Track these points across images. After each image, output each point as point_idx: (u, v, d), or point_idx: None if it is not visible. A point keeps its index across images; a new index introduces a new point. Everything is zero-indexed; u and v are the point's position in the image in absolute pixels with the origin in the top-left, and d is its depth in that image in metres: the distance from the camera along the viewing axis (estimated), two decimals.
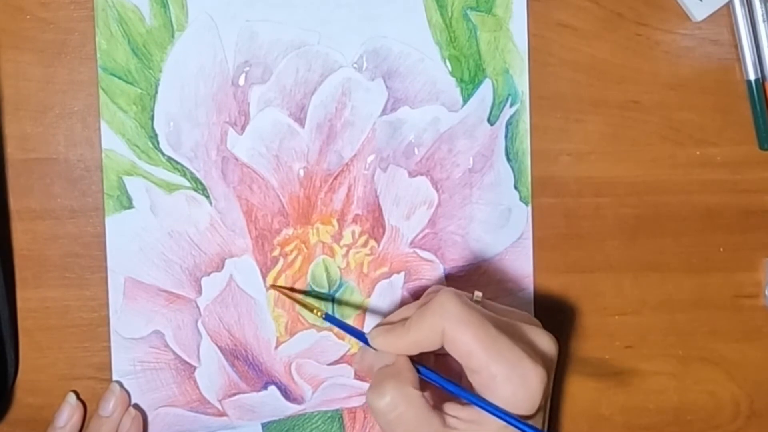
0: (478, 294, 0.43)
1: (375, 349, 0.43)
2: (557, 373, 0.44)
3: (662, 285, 0.52)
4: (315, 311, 0.47)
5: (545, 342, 0.42)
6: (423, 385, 0.41)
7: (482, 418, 0.40)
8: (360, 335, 0.44)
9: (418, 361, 0.42)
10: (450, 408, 0.41)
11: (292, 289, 0.49)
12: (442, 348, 0.41)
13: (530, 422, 0.40)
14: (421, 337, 0.41)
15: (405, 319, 0.42)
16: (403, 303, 0.50)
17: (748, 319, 0.53)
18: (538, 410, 0.41)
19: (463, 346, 0.40)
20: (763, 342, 0.53)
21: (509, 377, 0.39)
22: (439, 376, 0.42)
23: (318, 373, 0.50)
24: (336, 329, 0.50)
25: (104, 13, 0.47)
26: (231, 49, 0.48)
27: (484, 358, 0.39)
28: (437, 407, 0.41)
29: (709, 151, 0.52)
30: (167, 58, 0.48)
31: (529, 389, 0.40)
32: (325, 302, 0.50)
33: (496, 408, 0.40)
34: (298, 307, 0.49)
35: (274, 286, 0.49)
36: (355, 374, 0.51)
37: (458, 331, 0.40)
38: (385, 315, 0.50)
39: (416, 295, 0.50)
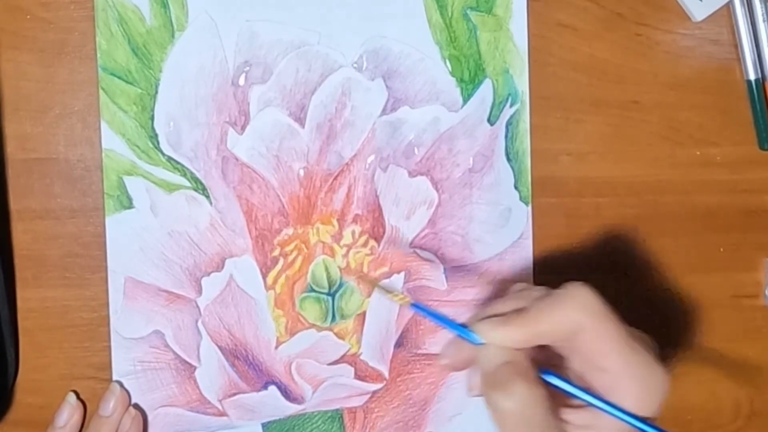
0: None
1: (480, 343, 0.39)
2: None
3: (662, 285, 0.52)
4: (400, 299, 0.46)
5: (652, 342, 0.40)
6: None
7: (597, 422, 0.38)
8: (459, 327, 0.40)
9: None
10: (565, 414, 0.39)
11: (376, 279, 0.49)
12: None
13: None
14: (548, 328, 0.38)
15: (518, 311, 0.39)
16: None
17: (748, 319, 0.53)
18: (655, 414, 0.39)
19: (603, 344, 0.38)
20: (763, 342, 0.53)
21: (640, 379, 0.38)
22: (561, 377, 0.39)
23: (318, 372, 0.50)
24: (336, 329, 0.50)
25: (104, 13, 0.47)
26: (231, 49, 0.48)
27: (620, 358, 0.38)
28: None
29: (709, 151, 0.52)
30: (167, 58, 0.48)
31: (655, 393, 0.38)
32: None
33: (622, 410, 0.38)
34: (298, 307, 0.50)
35: (360, 277, 0.49)
36: (356, 374, 0.51)
37: (602, 326, 0.38)
38: (385, 315, 0.50)
39: (416, 295, 0.50)
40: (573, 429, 0.39)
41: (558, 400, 0.39)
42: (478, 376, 0.39)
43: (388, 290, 0.48)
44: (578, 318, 0.38)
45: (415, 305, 0.43)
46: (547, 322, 0.38)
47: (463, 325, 0.40)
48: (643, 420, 0.38)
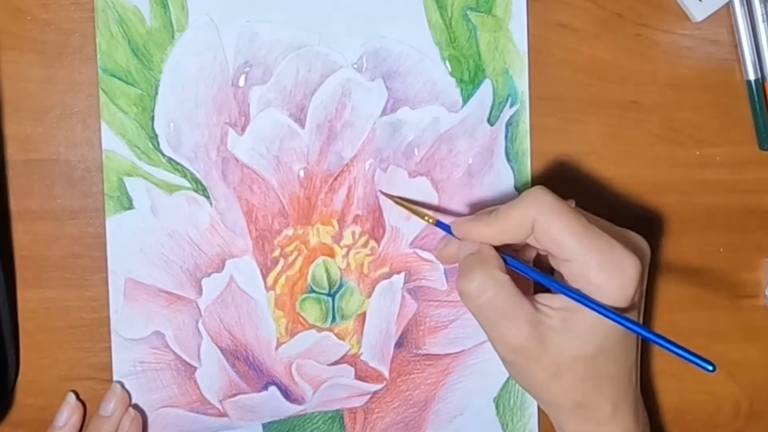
0: (570, 201, 0.44)
1: (459, 239, 0.44)
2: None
3: (662, 285, 0.52)
4: (426, 218, 0.47)
5: (638, 239, 0.43)
6: (512, 276, 0.42)
7: (576, 305, 0.40)
8: (443, 226, 0.45)
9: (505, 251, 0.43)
10: (540, 297, 0.42)
11: (403, 198, 0.49)
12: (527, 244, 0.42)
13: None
14: (509, 226, 0.42)
15: (488, 212, 0.43)
16: (403, 303, 0.50)
17: (748, 319, 0.53)
18: (632, 306, 0.40)
19: (557, 235, 0.40)
20: (763, 342, 0.53)
21: (603, 265, 0.40)
22: (526, 266, 0.42)
23: (318, 373, 0.50)
24: (337, 330, 0.50)
25: (104, 14, 0.47)
26: (231, 50, 0.48)
27: (578, 246, 0.40)
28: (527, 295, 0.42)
29: (709, 151, 0.52)
30: (167, 58, 0.48)
31: (623, 278, 0.40)
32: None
33: (588, 298, 0.39)
34: (298, 308, 0.50)
35: (382, 192, 0.49)
36: (356, 374, 0.51)
37: (551, 220, 0.40)
38: (385, 316, 0.50)
39: (416, 295, 0.51)
40: (552, 312, 0.41)
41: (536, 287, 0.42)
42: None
43: (416, 211, 0.48)
44: (531, 214, 0.41)
45: (439, 224, 0.47)
46: (507, 220, 0.42)
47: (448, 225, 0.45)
48: (602, 306, 0.39)
